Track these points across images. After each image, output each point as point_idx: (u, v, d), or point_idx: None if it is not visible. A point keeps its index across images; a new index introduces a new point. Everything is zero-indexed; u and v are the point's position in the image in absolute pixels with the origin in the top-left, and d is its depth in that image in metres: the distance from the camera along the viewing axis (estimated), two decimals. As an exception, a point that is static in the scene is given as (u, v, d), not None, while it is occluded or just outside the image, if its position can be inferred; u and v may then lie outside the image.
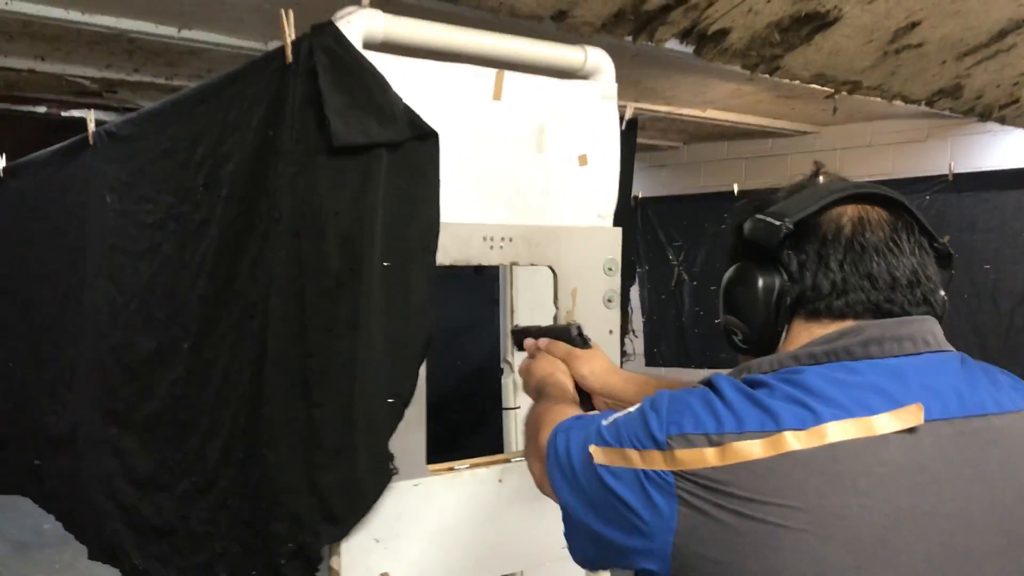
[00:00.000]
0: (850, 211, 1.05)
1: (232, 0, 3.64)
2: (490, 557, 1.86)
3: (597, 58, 2.03)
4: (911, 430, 0.91)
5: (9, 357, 3.31)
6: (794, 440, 0.90)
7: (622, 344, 2.78)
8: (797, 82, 3.30)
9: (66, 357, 2.76)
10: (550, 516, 1.89)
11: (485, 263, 1.88)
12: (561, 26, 2.38)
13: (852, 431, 0.90)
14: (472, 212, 1.85)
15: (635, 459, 0.96)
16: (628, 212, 5.46)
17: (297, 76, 1.66)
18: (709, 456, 0.91)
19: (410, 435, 1.72)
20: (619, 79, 2.16)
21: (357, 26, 1.65)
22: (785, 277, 1.04)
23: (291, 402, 1.70)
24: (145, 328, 2.20)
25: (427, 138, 1.71)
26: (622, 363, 2.83)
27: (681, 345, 6.27)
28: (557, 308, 2.00)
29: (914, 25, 2.85)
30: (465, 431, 2.98)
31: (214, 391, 2.00)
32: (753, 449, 0.90)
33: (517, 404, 2.37)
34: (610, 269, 2.03)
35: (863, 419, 0.91)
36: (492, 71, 1.86)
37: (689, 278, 6.22)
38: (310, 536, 1.72)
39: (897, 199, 1.07)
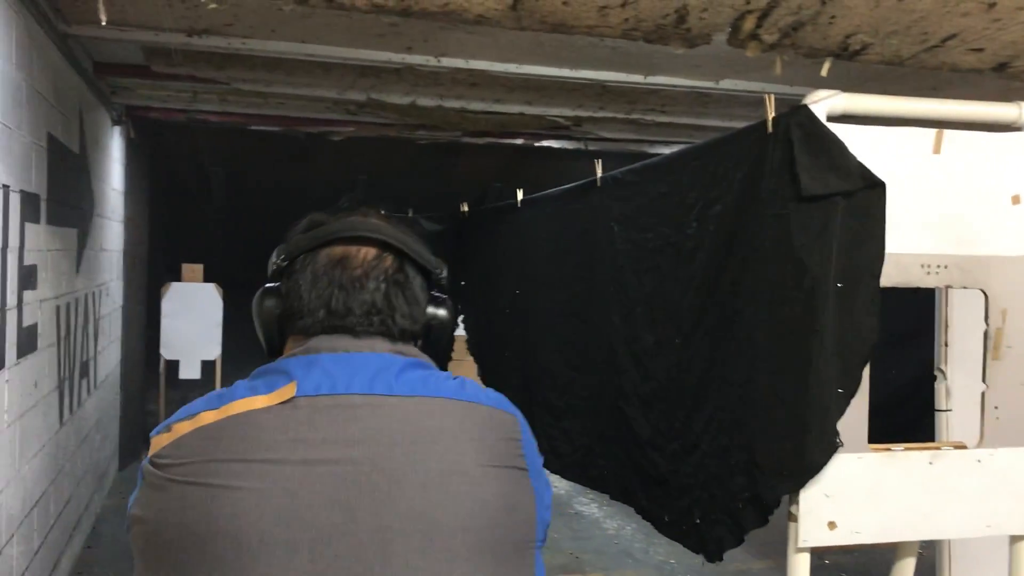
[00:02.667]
0: (337, 251, 1.20)
1: (694, 52, 4.31)
2: (919, 522, 2.28)
3: (1032, 111, 2.34)
4: (289, 401, 1.08)
5: (511, 346, 4.29)
6: (208, 416, 1.08)
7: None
8: None
9: (575, 346, 3.60)
10: (978, 498, 2.27)
11: (922, 286, 2.31)
12: (1001, 76, 2.66)
13: (246, 405, 1.08)
14: (912, 244, 2.29)
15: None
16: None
17: (776, 144, 2.23)
18: (164, 439, 1.08)
19: (855, 419, 2.21)
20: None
21: (823, 106, 2.18)
22: (278, 301, 1.22)
23: (762, 386, 2.28)
24: (647, 326, 2.93)
25: (876, 187, 2.19)
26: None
27: None
28: (987, 325, 2.35)
29: None
30: (902, 429, 3.32)
31: (697, 376, 2.65)
32: (182, 428, 1.08)
33: (949, 407, 2.72)
34: (1042, 293, 2.33)
35: (255, 397, 1.09)
36: (932, 130, 2.28)
37: None
38: (766, 488, 2.29)
39: (389, 241, 1.21)
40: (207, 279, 7.38)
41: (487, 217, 4.99)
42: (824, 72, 2.33)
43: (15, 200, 3.29)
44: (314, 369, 1.11)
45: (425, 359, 1.20)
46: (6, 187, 3.17)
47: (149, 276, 7.26)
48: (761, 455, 2.28)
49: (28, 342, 3.57)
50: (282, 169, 8.11)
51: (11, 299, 3.28)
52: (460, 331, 5.19)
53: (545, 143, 7.76)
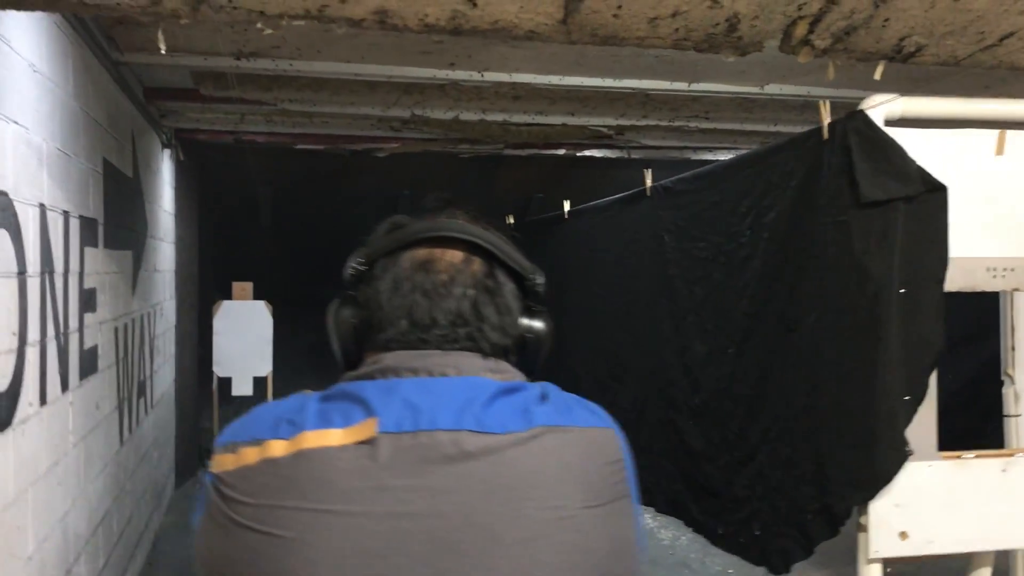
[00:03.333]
0: (420, 254, 1.06)
1: (740, 58, 4.28)
2: (994, 531, 2.23)
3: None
4: (368, 440, 0.93)
5: (558, 359, 4.29)
6: (276, 448, 0.94)
7: None
8: None
9: (619, 357, 3.60)
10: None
11: (988, 290, 2.27)
12: (1061, 72, 2.60)
13: (318, 440, 0.94)
14: (977, 248, 2.25)
15: (211, 460, 1.00)
16: None
17: (832, 150, 2.21)
18: (228, 460, 0.96)
19: (924, 427, 2.18)
20: None
21: (881, 111, 2.16)
22: (355, 311, 1.09)
23: (827, 395, 2.26)
24: (699, 336, 2.92)
25: (937, 191, 2.16)
26: None
27: None
28: (1058, 328, 2.31)
29: None
30: (963, 434, 3.27)
31: (752, 386, 2.63)
32: (248, 455, 0.95)
33: (1018, 412, 2.66)
34: (1113, 294, 2.28)
35: (329, 431, 0.94)
36: (995, 131, 2.24)
37: None
38: (836, 499, 2.26)
39: (477, 242, 1.07)
40: (256, 296, 7.48)
41: (533, 228, 4.99)
42: (877, 75, 2.30)
43: (75, 225, 3.37)
44: (393, 398, 0.96)
45: (520, 378, 1.05)
46: (66, 213, 3.24)
47: (200, 295, 7.38)
48: (829, 466, 2.25)
49: (89, 364, 3.64)
50: (327, 186, 8.20)
51: (73, 322, 3.35)
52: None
53: (587, 152, 7.76)
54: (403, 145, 6.68)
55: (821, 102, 2.23)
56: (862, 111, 2.17)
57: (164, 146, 5.98)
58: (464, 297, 1.05)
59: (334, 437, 0.94)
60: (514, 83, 4.80)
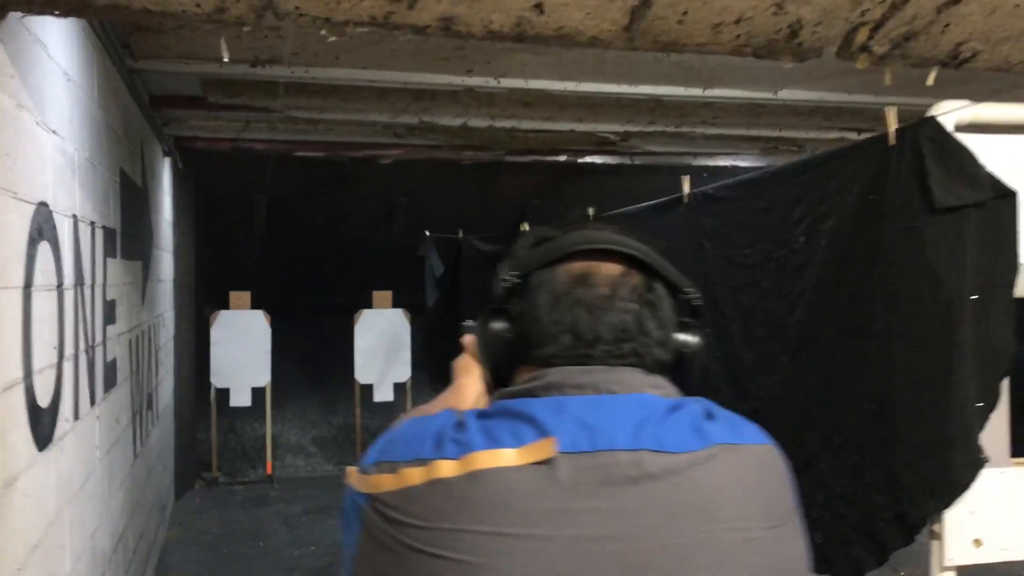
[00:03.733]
0: (577, 267, 1.03)
1: (756, 63, 4.29)
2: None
3: None
4: (546, 460, 0.90)
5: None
6: (445, 468, 0.91)
7: None
8: None
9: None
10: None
11: (1055, 293, 2.27)
12: (1107, 77, 2.61)
13: (492, 460, 0.91)
14: (1046, 252, 2.25)
15: (352, 479, 0.99)
16: None
17: (901, 156, 2.20)
18: (386, 480, 0.94)
19: (996, 433, 2.17)
20: None
21: (951, 117, 2.16)
22: (510, 325, 1.05)
23: (900, 403, 2.24)
24: (746, 344, 2.89)
25: (1008, 196, 2.16)
26: None
27: None
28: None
29: None
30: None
31: (809, 393, 2.61)
32: (412, 476, 0.92)
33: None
34: None
35: (502, 450, 0.91)
36: (1062, 136, 2.25)
37: None
38: (912, 507, 2.24)
39: (635, 255, 1.03)
40: (254, 306, 7.39)
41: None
42: (930, 81, 2.30)
43: (99, 236, 3.30)
44: (565, 417, 0.93)
45: (679, 394, 1.03)
46: (92, 224, 3.17)
47: (196, 305, 7.27)
48: (903, 474, 2.24)
49: (111, 377, 3.57)
50: (325, 194, 8.13)
51: (98, 335, 3.28)
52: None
53: (588, 159, 7.74)
54: (406, 152, 6.63)
55: (887, 108, 2.22)
56: (933, 118, 2.16)
57: (165, 154, 5.90)
58: (627, 311, 1.01)
59: (507, 457, 0.91)
60: (528, 89, 4.77)
